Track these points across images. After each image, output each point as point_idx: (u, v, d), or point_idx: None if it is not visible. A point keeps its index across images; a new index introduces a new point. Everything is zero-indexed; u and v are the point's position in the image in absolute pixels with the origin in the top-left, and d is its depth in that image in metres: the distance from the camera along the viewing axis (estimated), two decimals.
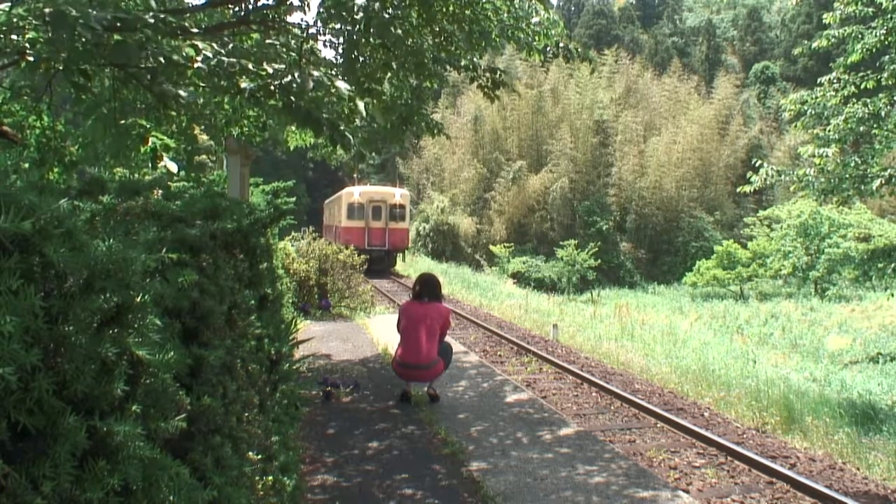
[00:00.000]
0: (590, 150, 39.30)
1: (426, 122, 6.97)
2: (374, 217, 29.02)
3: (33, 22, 2.74)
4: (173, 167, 5.18)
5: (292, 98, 3.54)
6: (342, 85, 3.64)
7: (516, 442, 5.45)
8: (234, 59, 3.59)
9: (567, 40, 6.83)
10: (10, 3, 3.13)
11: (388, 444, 5.39)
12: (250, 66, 3.63)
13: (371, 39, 5.14)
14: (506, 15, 6.17)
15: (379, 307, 16.04)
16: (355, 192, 29.44)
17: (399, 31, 4.72)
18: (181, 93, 3.32)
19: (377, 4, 4.76)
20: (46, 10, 2.26)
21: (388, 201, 29.33)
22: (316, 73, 3.57)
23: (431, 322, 6.56)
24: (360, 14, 4.73)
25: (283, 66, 3.70)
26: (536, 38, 6.59)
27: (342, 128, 3.89)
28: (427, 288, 6.87)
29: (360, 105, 3.71)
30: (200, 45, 3.66)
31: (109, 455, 1.23)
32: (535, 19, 6.50)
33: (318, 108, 3.67)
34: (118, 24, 2.77)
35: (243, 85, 3.59)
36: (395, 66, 5.84)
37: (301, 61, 4.34)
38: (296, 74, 3.52)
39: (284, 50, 4.36)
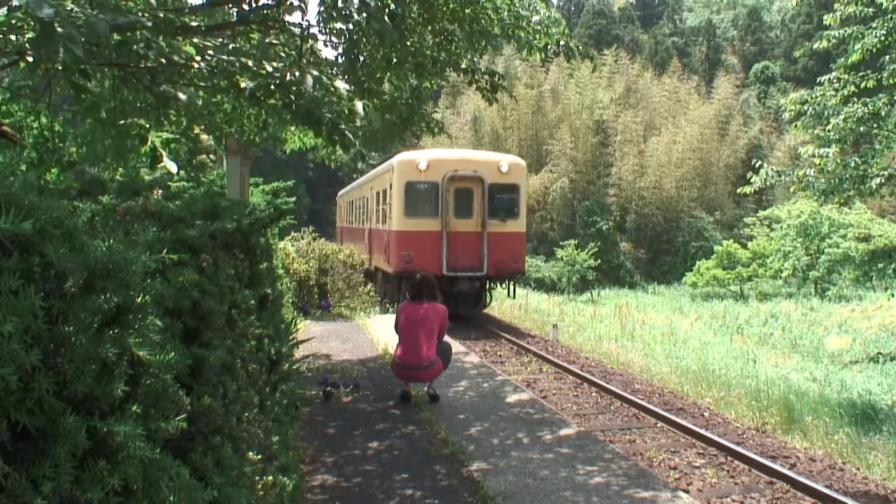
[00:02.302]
0: (590, 150, 39.30)
1: (426, 121, 6.97)
2: (460, 211, 14.89)
3: (32, 23, 2.74)
4: (173, 167, 5.18)
5: (292, 97, 3.54)
6: (341, 84, 3.64)
7: (516, 442, 5.44)
8: (234, 58, 3.59)
9: (567, 39, 6.82)
10: (7, 7, 3.13)
11: (388, 445, 5.39)
12: (250, 63, 3.63)
13: (371, 39, 5.14)
14: (506, 14, 6.16)
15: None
16: (420, 161, 14.81)
17: (399, 30, 4.71)
18: (180, 94, 3.32)
19: (377, 3, 4.75)
20: (40, 15, 2.24)
21: (486, 179, 14.77)
22: (315, 73, 3.57)
23: (429, 322, 6.56)
24: (361, 14, 4.72)
25: (282, 65, 3.70)
26: (537, 36, 6.57)
27: (342, 127, 3.89)
28: (425, 288, 6.87)
29: (359, 105, 3.71)
30: (200, 43, 3.66)
31: (109, 455, 1.23)
32: (535, 18, 6.49)
33: (318, 108, 3.67)
34: (117, 25, 2.77)
35: (243, 84, 3.59)
36: (395, 66, 5.84)
37: (301, 61, 4.34)
38: (296, 74, 3.52)
39: (284, 50, 4.36)
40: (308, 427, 5.80)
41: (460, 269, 14.43)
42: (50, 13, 2.29)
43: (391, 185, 15.26)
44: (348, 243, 24.74)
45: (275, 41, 4.98)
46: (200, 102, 5.34)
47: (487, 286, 15.55)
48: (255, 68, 3.58)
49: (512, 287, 15.91)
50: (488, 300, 16.04)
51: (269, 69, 3.59)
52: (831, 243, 24.35)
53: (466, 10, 5.67)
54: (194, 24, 4.88)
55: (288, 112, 3.72)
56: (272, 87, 3.51)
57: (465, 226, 14.78)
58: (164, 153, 5.21)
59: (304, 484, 4.40)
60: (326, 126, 3.70)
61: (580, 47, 7.14)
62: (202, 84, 3.99)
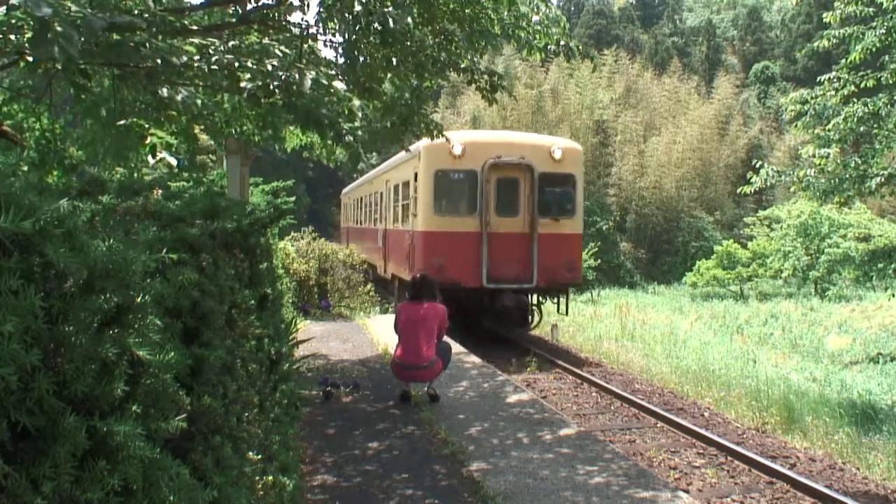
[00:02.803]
0: (590, 150, 39.26)
1: (426, 123, 6.97)
2: (504, 207, 12.26)
3: (32, 23, 2.74)
4: (172, 161, 5.17)
5: (292, 97, 3.54)
6: (339, 84, 3.64)
7: (517, 442, 5.44)
8: (234, 57, 3.59)
9: (568, 38, 6.82)
10: (6, 6, 3.13)
11: (388, 445, 5.39)
12: (250, 63, 3.63)
13: (372, 38, 5.14)
14: (506, 13, 6.15)
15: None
16: (454, 144, 11.90)
17: (399, 27, 4.71)
18: (179, 97, 3.32)
19: (377, 2, 4.75)
20: (38, 14, 2.24)
21: (535, 167, 12.17)
22: (312, 74, 3.57)
23: (429, 322, 6.57)
24: (361, 11, 4.72)
25: (282, 64, 3.71)
26: (537, 36, 6.56)
27: (342, 126, 3.89)
28: (424, 288, 6.87)
29: (356, 104, 3.71)
30: (200, 42, 3.66)
31: (109, 455, 1.23)
32: (535, 18, 6.47)
33: (317, 107, 3.67)
34: (116, 25, 2.77)
35: (243, 84, 3.59)
36: (395, 66, 5.84)
37: (300, 62, 4.34)
38: (294, 74, 3.53)
39: (283, 49, 4.36)
40: (308, 427, 5.80)
41: (503, 280, 11.71)
42: (48, 12, 2.29)
43: (416, 176, 12.47)
44: (356, 246, 21.22)
45: (274, 40, 4.97)
46: (200, 102, 5.34)
47: (537, 301, 12.82)
48: (255, 67, 3.58)
49: (564, 301, 12.74)
50: (538, 318, 13.02)
51: (269, 68, 3.59)
52: (831, 243, 24.34)
53: (466, 10, 5.67)
54: (193, 26, 4.88)
55: (288, 111, 3.72)
56: (272, 86, 3.51)
57: (509, 225, 11.96)
58: (163, 151, 5.21)
59: (304, 484, 4.40)
60: (327, 125, 3.70)
61: (580, 47, 7.13)
62: (202, 84, 4.00)
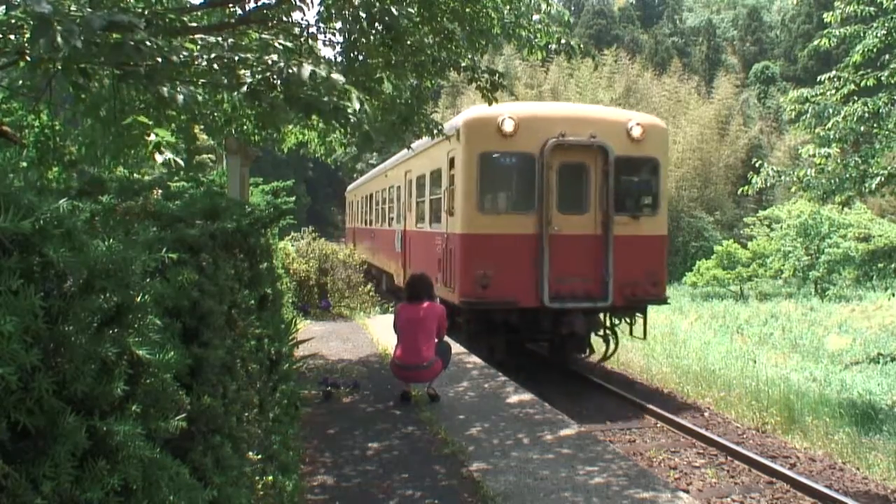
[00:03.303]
0: None
1: (426, 122, 6.96)
2: (569, 201, 9.59)
3: (31, 22, 2.75)
4: (178, 160, 5.17)
5: (293, 87, 3.54)
6: (337, 76, 3.63)
7: (517, 442, 5.44)
8: (234, 54, 3.59)
9: (568, 37, 6.80)
10: (6, 4, 3.13)
11: (388, 445, 5.39)
12: (250, 56, 3.63)
13: (371, 38, 5.14)
14: (507, 11, 6.14)
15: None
16: (504, 119, 9.17)
17: (401, 23, 4.71)
18: (179, 96, 3.32)
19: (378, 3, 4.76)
20: (38, 10, 2.25)
21: (609, 149, 9.43)
22: (310, 67, 3.57)
23: (428, 322, 6.57)
24: (362, 10, 4.72)
25: (282, 58, 3.70)
26: (538, 35, 6.55)
27: (344, 109, 3.87)
28: (421, 288, 6.87)
29: (355, 97, 3.70)
30: (200, 38, 3.66)
31: (109, 455, 1.23)
32: (535, 17, 6.46)
33: (318, 98, 3.66)
34: (115, 24, 2.77)
35: (244, 82, 3.59)
36: (394, 66, 5.84)
37: (301, 57, 4.34)
38: (293, 67, 3.52)
39: (283, 43, 4.36)
40: (308, 427, 5.80)
41: (570, 297, 9.17)
42: (48, 8, 2.29)
43: (453, 162, 9.76)
44: (365, 251, 19.14)
45: (273, 38, 4.97)
46: (200, 100, 5.34)
47: (610, 323, 10.02)
48: (255, 64, 3.58)
49: (642, 323, 10.01)
50: (613, 346, 10.21)
51: (270, 62, 3.59)
52: (831, 243, 24.35)
53: (467, 9, 5.67)
54: (193, 24, 4.88)
55: (288, 104, 3.72)
56: (272, 79, 3.50)
57: (576, 225, 9.34)
58: (169, 152, 5.20)
59: (304, 484, 4.40)
60: (330, 111, 3.69)
61: (581, 45, 7.10)
62: (202, 81, 3.99)
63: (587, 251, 9.36)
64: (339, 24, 5.12)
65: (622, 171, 9.68)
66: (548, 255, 9.11)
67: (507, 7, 6.08)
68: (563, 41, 6.71)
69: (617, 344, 10.28)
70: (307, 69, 3.50)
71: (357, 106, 3.70)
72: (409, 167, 13.40)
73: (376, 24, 4.75)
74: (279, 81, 3.52)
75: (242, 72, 3.55)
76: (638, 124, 9.71)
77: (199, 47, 3.61)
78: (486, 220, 9.33)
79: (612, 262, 9.31)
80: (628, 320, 10.01)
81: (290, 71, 3.48)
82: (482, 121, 9.29)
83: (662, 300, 10.00)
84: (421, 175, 12.31)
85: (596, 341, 10.38)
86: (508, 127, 9.17)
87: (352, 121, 3.87)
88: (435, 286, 9.76)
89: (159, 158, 5.00)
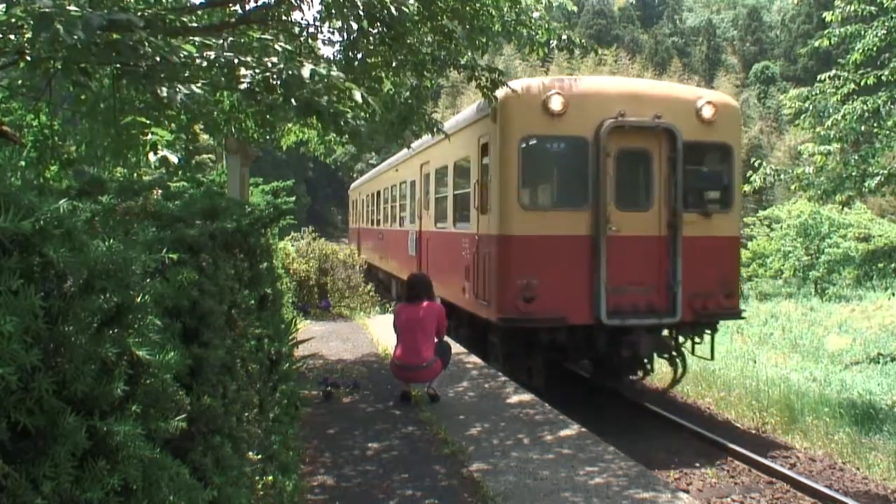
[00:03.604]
0: None
1: (426, 121, 6.96)
2: (628, 194, 8.13)
3: (31, 22, 2.75)
4: (173, 158, 5.17)
5: (292, 89, 3.54)
6: (337, 74, 3.64)
7: (517, 442, 5.44)
8: (233, 54, 3.59)
9: (570, 33, 6.75)
10: (5, 5, 3.13)
11: (388, 445, 5.39)
12: (249, 59, 3.63)
13: (371, 37, 5.14)
14: (507, 8, 6.11)
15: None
16: (551, 96, 7.63)
17: (402, 18, 4.71)
18: (178, 97, 3.32)
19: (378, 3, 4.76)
20: (38, 10, 2.26)
21: (677, 132, 7.91)
22: (311, 66, 3.57)
23: (426, 322, 6.56)
24: (363, 8, 4.72)
25: (282, 59, 3.71)
26: (539, 31, 6.47)
27: (344, 113, 3.88)
28: (420, 288, 6.87)
29: (357, 94, 3.69)
30: (200, 40, 3.66)
31: (109, 455, 1.23)
32: (536, 14, 6.38)
33: (317, 99, 3.67)
34: (114, 23, 2.77)
35: (242, 83, 3.59)
36: (394, 65, 5.84)
37: (301, 57, 4.34)
38: (293, 68, 3.53)
39: (283, 45, 4.37)
40: (308, 427, 5.80)
41: (631, 312, 7.72)
42: (49, 5, 2.29)
43: (486, 148, 8.33)
44: (372, 253, 18.10)
45: (272, 39, 4.98)
46: (200, 100, 5.33)
47: (678, 341, 8.40)
48: (254, 64, 3.58)
49: (710, 340, 8.48)
50: (681, 370, 8.56)
51: (269, 63, 3.59)
52: (831, 243, 24.36)
53: (467, 7, 5.66)
54: (193, 24, 4.88)
55: (288, 106, 3.72)
56: (272, 80, 3.51)
57: (637, 225, 7.88)
58: (165, 151, 5.21)
59: (303, 484, 4.40)
60: (329, 115, 3.69)
61: (583, 41, 7.00)
62: (202, 82, 4.00)
63: (650, 256, 7.88)
64: (339, 23, 5.12)
65: (690, 160, 8.17)
66: (605, 260, 7.58)
67: (508, 4, 6.06)
68: (563, 36, 6.63)
69: (685, 367, 8.59)
70: (307, 69, 3.50)
71: (359, 99, 3.70)
72: (426, 158, 11.71)
73: (377, 22, 4.76)
74: (279, 83, 3.52)
75: (242, 72, 3.55)
76: (709, 103, 8.18)
77: (198, 46, 3.61)
78: (529, 219, 7.73)
79: (680, 269, 7.80)
80: (696, 339, 8.39)
81: (290, 73, 3.48)
82: (524, 97, 7.67)
83: (737, 314, 8.38)
84: (442, 167, 10.67)
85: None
86: (556, 105, 7.61)
87: (350, 125, 3.87)
88: (462, 297, 8.91)
89: (153, 157, 5.00)
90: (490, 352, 8.59)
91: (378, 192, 17.92)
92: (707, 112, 8.10)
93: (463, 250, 9.16)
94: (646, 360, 8.43)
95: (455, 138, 9.34)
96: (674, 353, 8.43)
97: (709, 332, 8.33)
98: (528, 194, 8.10)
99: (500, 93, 7.38)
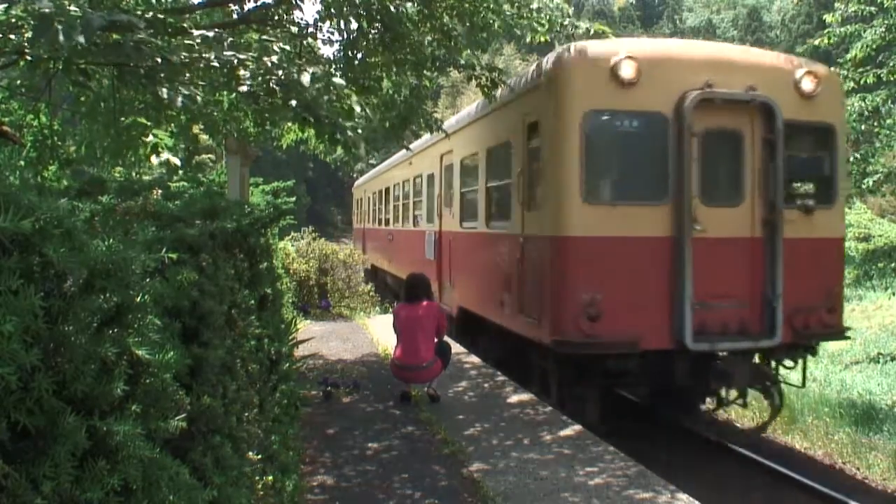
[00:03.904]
0: None
1: (425, 120, 6.95)
2: (715, 184, 6.58)
3: (32, 22, 2.75)
4: (176, 160, 5.17)
5: (292, 93, 3.54)
6: (338, 80, 3.64)
7: (517, 442, 5.44)
8: (233, 54, 3.59)
9: (571, 21, 6.57)
10: (5, 5, 3.13)
11: (388, 445, 5.39)
12: (249, 56, 3.63)
13: (370, 37, 5.14)
14: (507, 5, 6.05)
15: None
16: (621, 61, 6.08)
17: (403, 22, 4.71)
18: (178, 98, 3.32)
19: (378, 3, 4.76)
20: (39, 9, 2.26)
21: (776, 108, 6.32)
22: (311, 70, 3.58)
23: (426, 322, 6.56)
24: (362, 8, 4.72)
25: (281, 61, 3.71)
26: (540, 21, 6.33)
27: (342, 124, 3.88)
28: (418, 288, 6.86)
29: (354, 100, 3.70)
30: (199, 40, 3.66)
31: (109, 455, 1.23)
32: (535, 5, 6.21)
33: (317, 104, 3.67)
34: (115, 24, 2.77)
35: (242, 84, 3.59)
36: (394, 65, 5.83)
37: (301, 58, 4.35)
38: (293, 71, 3.53)
39: (283, 46, 4.37)
40: (308, 427, 5.80)
41: (719, 333, 6.31)
42: (50, 6, 2.29)
43: (535, 128, 6.93)
44: (379, 257, 16.84)
45: (273, 38, 4.99)
46: (199, 100, 5.34)
47: (774, 367, 6.89)
48: (253, 64, 3.58)
49: (803, 365, 6.96)
50: (778, 403, 7.02)
51: (269, 64, 3.59)
52: None
53: (466, 5, 5.64)
54: (193, 27, 4.88)
55: (287, 109, 3.72)
56: (272, 83, 3.51)
57: (727, 223, 6.46)
58: (164, 151, 5.21)
59: (304, 484, 4.40)
60: (327, 123, 3.70)
61: (589, 28, 6.80)
62: (202, 83, 4.00)
63: (741, 262, 6.39)
64: (338, 23, 5.13)
65: (789, 143, 6.54)
66: (690, 268, 6.08)
67: (507, 2, 6.02)
68: (564, 23, 6.35)
69: (782, 399, 7.07)
70: (307, 76, 3.50)
71: (357, 110, 3.70)
72: (447, 147, 10.12)
73: (375, 22, 4.76)
74: (278, 87, 3.53)
75: (241, 73, 3.56)
76: (810, 73, 6.66)
77: (198, 43, 3.61)
78: (594, 216, 6.18)
79: (780, 278, 6.31)
80: (790, 363, 6.88)
81: (291, 77, 3.49)
82: (588, 62, 6.27)
83: (841, 333, 6.85)
84: (470, 155, 9.16)
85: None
86: (628, 71, 6.14)
87: (349, 136, 3.87)
88: (499, 312, 7.50)
89: (155, 160, 5.00)
90: (534, 377, 7.23)
91: (387, 189, 16.34)
92: (807, 85, 6.63)
93: (501, 255, 7.71)
94: (739, 392, 6.94)
95: (487, 121, 8.09)
96: (769, 383, 6.83)
97: (806, 355, 6.87)
98: (595, 184, 6.38)
99: (554, 57, 6.31)
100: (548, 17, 6.21)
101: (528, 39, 6.61)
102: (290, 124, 7.91)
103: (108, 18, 2.61)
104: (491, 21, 5.91)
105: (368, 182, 21.10)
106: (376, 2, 4.65)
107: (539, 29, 6.27)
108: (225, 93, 5.26)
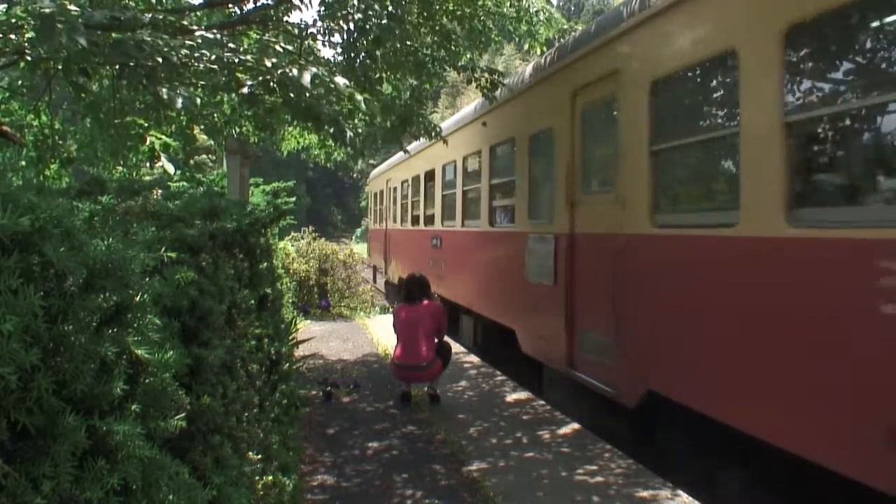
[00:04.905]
0: None
1: (425, 124, 6.96)
2: None
3: (32, 22, 2.75)
4: (170, 167, 5.18)
5: (291, 94, 3.54)
6: (340, 80, 3.64)
7: (516, 442, 5.44)
8: (233, 54, 3.60)
9: (571, 25, 6.72)
10: (5, 5, 3.14)
11: (388, 444, 5.39)
12: (249, 58, 3.63)
13: (368, 40, 5.15)
14: (507, 8, 6.09)
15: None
16: None
17: (398, 33, 4.71)
18: (178, 99, 3.32)
19: (376, 5, 4.76)
20: (40, 9, 2.27)
21: None
22: (314, 69, 3.57)
23: (426, 322, 6.56)
24: (359, 15, 4.73)
25: (282, 62, 3.71)
26: (540, 27, 6.45)
27: (342, 123, 3.88)
28: (418, 288, 6.86)
29: (359, 98, 3.70)
30: (200, 40, 3.67)
31: (109, 454, 1.23)
32: (534, 8, 6.34)
33: (317, 104, 3.67)
34: (116, 24, 2.78)
35: (243, 87, 3.59)
36: (394, 66, 5.84)
37: (301, 59, 4.34)
38: (294, 71, 3.53)
39: (283, 46, 4.38)
40: (308, 427, 5.80)
41: None
42: (50, 4, 2.30)
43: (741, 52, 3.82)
44: (413, 267, 10.47)
45: (272, 39, 4.99)
46: (199, 102, 5.34)
47: None
48: (254, 63, 3.58)
49: None
50: None
51: (269, 65, 3.59)
52: None
53: (466, 9, 5.66)
54: (193, 27, 4.88)
55: (288, 109, 3.72)
56: (272, 84, 3.51)
57: None
58: (162, 155, 5.21)
59: (303, 484, 4.40)
60: (327, 122, 3.70)
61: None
62: (202, 83, 4.00)
63: None
64: (342, 25, 5.13)
65: None
66: None
67: (507, 4, 6.05)
68: (564, 27, 6.60)
69: None
70: (308, 75, 3.50)
71: (363, 107, 3.70)
72: (532, 99, 6.90)
73: (368, 35, 4.76)
74: (277, 86, 3.53)
75: (241, 76, 3.56)
76: None
77: (198, 43, 3.61)
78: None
79: None
80: None
81: (291, 74, 3.49)
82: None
83: None
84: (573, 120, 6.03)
85: None
86: None
87: (350, 136, 3.87)
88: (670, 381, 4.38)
89: (158, 165, 5.01)
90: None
91: (418, 176, 11.92)
92: None
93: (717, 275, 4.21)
94: None
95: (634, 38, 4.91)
96: None
97: None
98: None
99: None
100: (547, 23, 6.37)
101: (527, 47, 6.79)
102: (290, 130, 7.92)
103: (111, 16, 2.61)
104: (489, 28, 5.96)
105: (387, 171, 15.81)
106: (372, 16, 4.65)
107: (538, 39, 6.47)
108: (226, 97, 5.27)
